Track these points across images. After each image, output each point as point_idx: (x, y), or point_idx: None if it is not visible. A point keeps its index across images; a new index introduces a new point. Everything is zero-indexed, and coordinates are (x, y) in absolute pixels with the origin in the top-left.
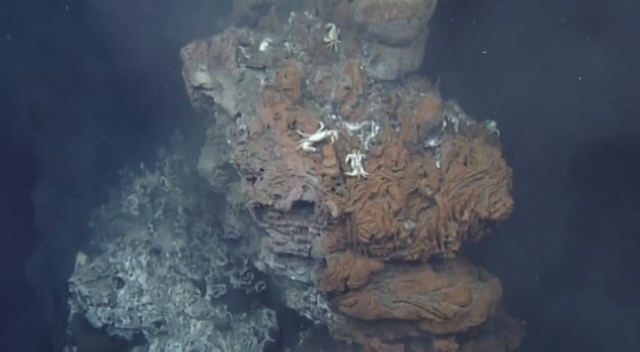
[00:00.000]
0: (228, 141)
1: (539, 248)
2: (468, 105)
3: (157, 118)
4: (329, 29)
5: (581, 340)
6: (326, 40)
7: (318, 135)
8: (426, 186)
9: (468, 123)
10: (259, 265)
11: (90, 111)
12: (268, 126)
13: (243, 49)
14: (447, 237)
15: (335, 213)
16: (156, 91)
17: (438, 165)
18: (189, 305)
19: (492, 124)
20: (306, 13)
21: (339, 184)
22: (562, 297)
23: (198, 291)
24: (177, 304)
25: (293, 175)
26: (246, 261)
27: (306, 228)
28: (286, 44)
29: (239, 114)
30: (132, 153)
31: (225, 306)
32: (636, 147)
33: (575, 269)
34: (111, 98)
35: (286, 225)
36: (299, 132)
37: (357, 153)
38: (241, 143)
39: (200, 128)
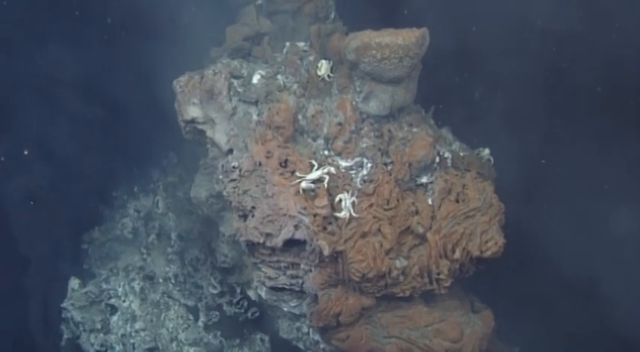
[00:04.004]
0: (220, 177)
1: None
2: None
3: (151, 140)
4: (321, 63)
5: None
6: (319, 73)
7: (314, 174)
8: (418, 223)
9: (462, 153)
10: (252, 294)
11: (85, 131)
12: (260, 164)
13: (235, 82)
14: (438, 274)
15: (326, 253)
16: (150, 114)
17: (430, 202)
18: (183, 331)
19: (486, 152)
20: (300, 44)
21: (330, 223)
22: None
23: (192, 317)
24: (170, 330)
25: (284, 214)
26: (239, 290)
27: (298, 264)
28: (279, 77)
29: (231, 150)
30: (126, 174)
31: (219, 332)
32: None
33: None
34: (105, 119)
35: (278, 261)
36: (296, 173)
37: (348, 193)
38: (233, 180)
39: (194, 151)
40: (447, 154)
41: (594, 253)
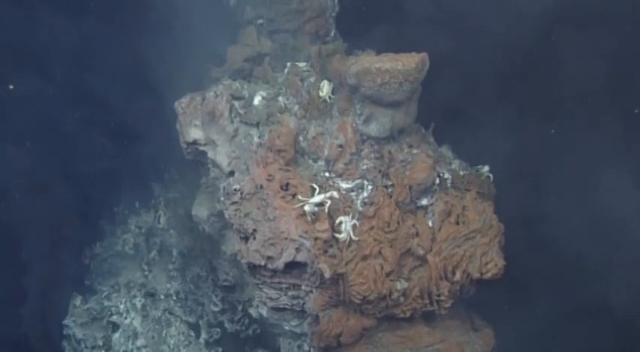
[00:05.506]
0: (222, 199)
1: None
2: None
3: (153, 155)
4: (323, 84)
5: None
6: (320, 94)
7: (316, 198)
8: (418, 245)
9: (461, 172)
10: (253, 312)
11: (86, 146)
12: (261, 187)
13: (236, 103)
14: (438, 295)
15: (327, 275)
16: (152, 129)
17: (431, 224)
18: (184, 347)
19: (485, 169)
20: (301, 64)
21: (331, 246)
22: None
23: (193, 334)
24: (171, 347)
25: (286, 238)
26: (240, 307)
27: (299, 286)
28: (280, 98)
29: (232, 172)
30: (127, 189)
31: (220, 349)
32: None
33: None
34: (107, 134)
35: (279, 283)
36: (298, 197)
37: (348, 216)
38: (234, 203)
39: (195, 168)
40: (447, 175)
41: (598, 240)
